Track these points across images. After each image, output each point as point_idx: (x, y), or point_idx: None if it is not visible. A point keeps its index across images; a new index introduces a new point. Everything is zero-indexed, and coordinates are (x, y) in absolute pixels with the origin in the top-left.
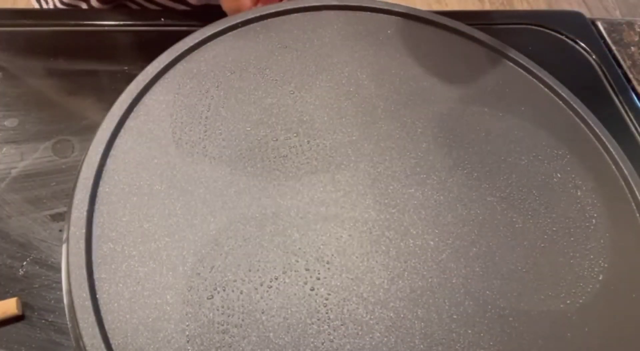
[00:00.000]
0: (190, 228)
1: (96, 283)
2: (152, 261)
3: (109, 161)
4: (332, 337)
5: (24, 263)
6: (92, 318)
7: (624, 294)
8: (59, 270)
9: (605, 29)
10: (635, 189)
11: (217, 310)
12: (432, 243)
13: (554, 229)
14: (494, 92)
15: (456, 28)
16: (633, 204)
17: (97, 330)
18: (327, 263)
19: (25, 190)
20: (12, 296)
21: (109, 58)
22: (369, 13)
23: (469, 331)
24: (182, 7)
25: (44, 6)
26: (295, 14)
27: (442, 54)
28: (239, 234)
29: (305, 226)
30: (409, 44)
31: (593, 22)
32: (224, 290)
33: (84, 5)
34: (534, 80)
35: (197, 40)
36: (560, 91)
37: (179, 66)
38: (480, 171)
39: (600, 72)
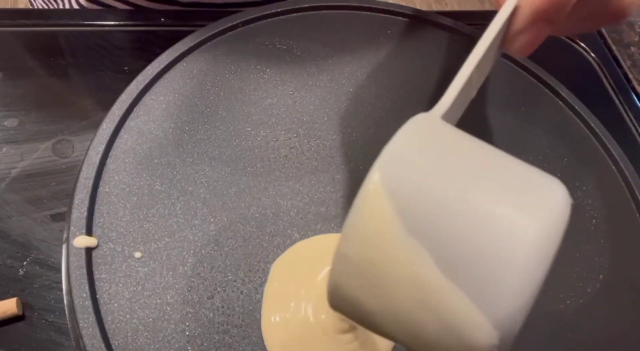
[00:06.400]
0: (190, 228)
1: (96, 283)
2: (152, 261)
3: (109, 161)
4: None
5: (24, 263)
6: (92, 318)
7: (624, 294)
8: (59, 270)
9: (605, 28)
10: (635, 189)
11: (217, 309)
12: None
13: None
14: (493, 93)
15: (456, 28)
16: (633, 204)
17: (97, 330)
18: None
19: (25, 190)
20: (12, 296)
21: (109, 58)
22: (369, 13)
23: None
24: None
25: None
26: (296, 14)
27: (442, 54)
28: (239, 234)
29: (305, 226)
30: (409, 44)
31: None
32: (224, 290)
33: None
34: (534, 80)
35: (197, 40)
36: (560, 91)
37: (179, 66)
38: None
39: (600, 72)
